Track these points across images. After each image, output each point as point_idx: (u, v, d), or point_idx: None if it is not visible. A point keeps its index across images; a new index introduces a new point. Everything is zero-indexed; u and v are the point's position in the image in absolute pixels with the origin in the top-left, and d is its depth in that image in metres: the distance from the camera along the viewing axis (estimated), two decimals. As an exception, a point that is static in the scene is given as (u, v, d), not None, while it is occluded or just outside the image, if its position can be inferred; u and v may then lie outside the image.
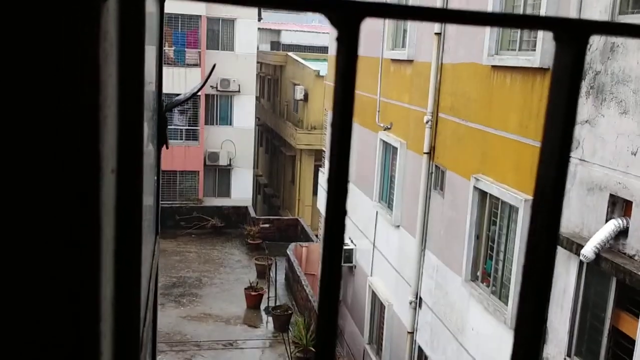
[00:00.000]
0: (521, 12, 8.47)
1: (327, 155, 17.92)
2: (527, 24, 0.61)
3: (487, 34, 9.01)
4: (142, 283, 1.18)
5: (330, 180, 0.56)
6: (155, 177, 1.72)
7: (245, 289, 18.70)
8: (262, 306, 18.42)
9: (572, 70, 0.57)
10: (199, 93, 26.04)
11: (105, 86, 0.55)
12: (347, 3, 0.53)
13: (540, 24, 0.60)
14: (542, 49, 7.62)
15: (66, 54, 0.50)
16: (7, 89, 0.49)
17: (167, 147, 1.79)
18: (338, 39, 0.53)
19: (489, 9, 8.89)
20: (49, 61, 0.50)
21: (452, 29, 10.43)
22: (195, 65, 26.41)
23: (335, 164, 0.56)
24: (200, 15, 26.28)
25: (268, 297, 18.24)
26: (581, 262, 6.81)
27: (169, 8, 27.13)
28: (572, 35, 0.57)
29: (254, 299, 18.41)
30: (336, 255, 0.54)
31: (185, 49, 26.50)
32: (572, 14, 7.09)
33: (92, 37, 0.50)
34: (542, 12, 7.65)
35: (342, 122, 0.54)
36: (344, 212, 0.54)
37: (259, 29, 29.12)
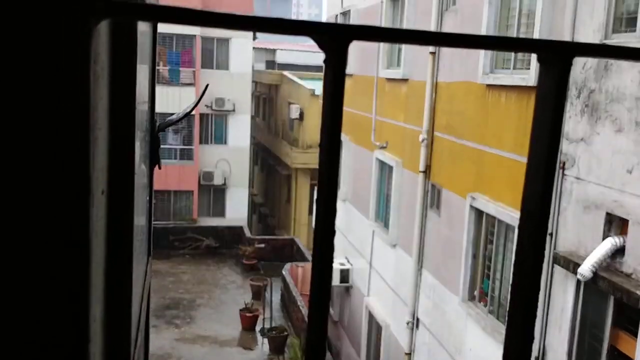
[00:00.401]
0: (515, 30, 8.55)
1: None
2: (512, 47, 0.62)
3: (482, 52, 9.09)
4: (134, 305, 1.17)
5: (319, 200, 0.56)
6: (148, 198, 1.72)
7: (240, 310, 18.57)
8: (258, 328, 18.28)
9: (556, 91, 0.58)
10: (193, 112, 26.09)
11: (95, 108, 0.56)
12: (334, 26, 0.53)
13: (525, 46, 0.61)
14: (536, 68, 7.67)
15: (56, 78, 0.50)
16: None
17: (159, 168, 1.79)
18: (325, 62, 0.54)
19: (483, 26, 8.97)
20: (39, 84, 0.50)
21: (446, 48, 10.51)
22: (190, 84, 26.49)
23: (324, 184, 0.56)
24: (195, 35, 26.41)
25: (263, 319, 18.11)
26: (579, 281, 6.80)
27: (163, 28, 27.15)
28: (556, 57, 0.58)
29: (249, 321, 18.27)
30: (326, 274, 0.54)
31: (180, 68, 26.60)
32: (566, 32, 7.16)
33: (82, 61, 0.50)
34: (536, 30, 7.73)
35: (330, 143, 0.54)
36: (332, 231, 0.55)
37: (254, 48, 29.27)
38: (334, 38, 0.54)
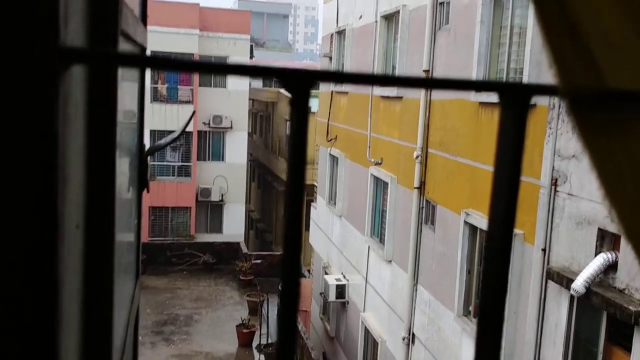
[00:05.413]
0: (507, 48, 8.61)
1: (319, 190, 17.88)
2: (474, 87, 0.64)
3: (475, 70, 9.15)
4: (118, 331, 1.18)
5: (285, 237, 0.58)
6: (136, 221, 1.73)
7: (237, 326, 18.51)
8: (254, 344, 18.21)
9: (516, 130, 0.60)
10: (191, 129, 26.17)
11: (67, 147, 0.57)
12: (297, 71, 0.56)
13: (486, 87, 0.63)
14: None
15: (23, 122, 0.52)
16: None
17: (147, 191, 1.81)
18: (291, 103, 0.56)
19: (476, 44, 9.04)
20: (5, 128, 0.52)
21: (440, 67, 10.57)
22: (188, 102, 26.60)
23: (288, 219, 0.58)
24: (193, 54, 26.58)
25: (260, 334, 18.05)
26: (572, 297, 6.80)
27: (161, 46, 26.98)
28: (515, 98, 0.60)
29: (245, 337, 18.21)
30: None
31: (178, 87, 26.75)
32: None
33: (49, 105, 0.52)
34: (527, 48, 7.78)
35: (294, 180, 0.56)
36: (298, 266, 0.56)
37: (251, 66, 29.36)
38: (297, 80, 0.56)
